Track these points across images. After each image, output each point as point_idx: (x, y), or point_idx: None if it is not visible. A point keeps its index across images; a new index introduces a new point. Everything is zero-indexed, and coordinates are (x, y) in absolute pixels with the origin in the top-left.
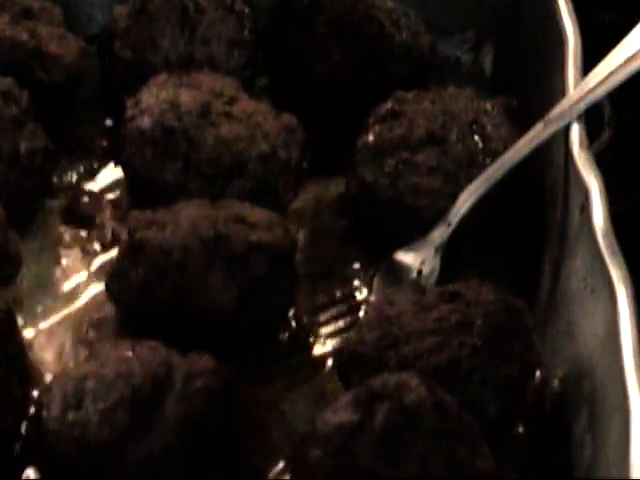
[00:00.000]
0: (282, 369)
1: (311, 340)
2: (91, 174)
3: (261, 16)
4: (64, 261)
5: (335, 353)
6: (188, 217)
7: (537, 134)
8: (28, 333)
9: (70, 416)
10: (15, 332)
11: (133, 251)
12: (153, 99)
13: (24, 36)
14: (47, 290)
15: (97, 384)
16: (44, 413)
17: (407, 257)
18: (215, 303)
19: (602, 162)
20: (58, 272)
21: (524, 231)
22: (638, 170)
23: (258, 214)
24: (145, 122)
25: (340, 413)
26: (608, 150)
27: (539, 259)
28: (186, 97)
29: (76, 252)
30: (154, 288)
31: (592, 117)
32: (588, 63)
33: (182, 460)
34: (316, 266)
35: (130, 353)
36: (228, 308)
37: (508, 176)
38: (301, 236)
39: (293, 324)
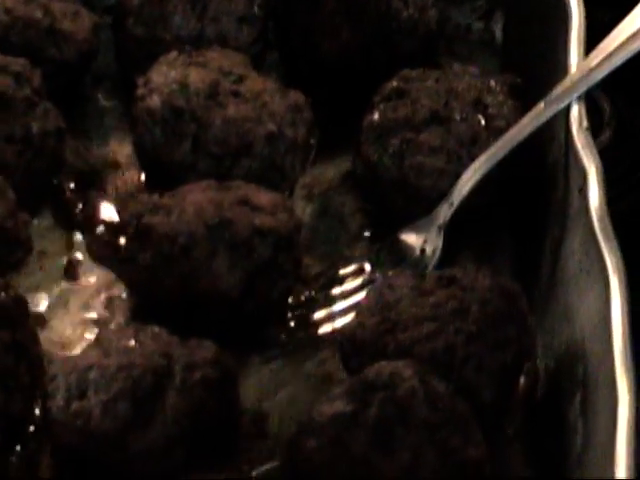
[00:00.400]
0: (286, 351)
1: (315, 320)
2: (103, 153)
3: None
4: (74, 240)
5: (337, 336)
6: (193, 202)
7: (538, 114)
8: (38, 315)
9: (74, 406)
10: (25, 318)
11: (140, 236)
12: (162, 78)
13: (37, 14)
14: (58, 271)
15: (100, 375)
16: (49, 402)
17: (410, 236)
18: (220, 288)
19: (602, 161)
20: (69, 251)
21: (526, 210)
22: (638, 170)
23: (263, 197)
24: (154, 102)
25: (335, 403)
26: (608, 150)
27: (540, 238)
28: (195, 76)
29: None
30: (161, 273)
31: (592, 117)
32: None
33: (183, 450)
34: (321, 243)
35: (132, 342)
36: (233, 292)
37: (510, 155)
38: (308, 213)
39: (297, 304)
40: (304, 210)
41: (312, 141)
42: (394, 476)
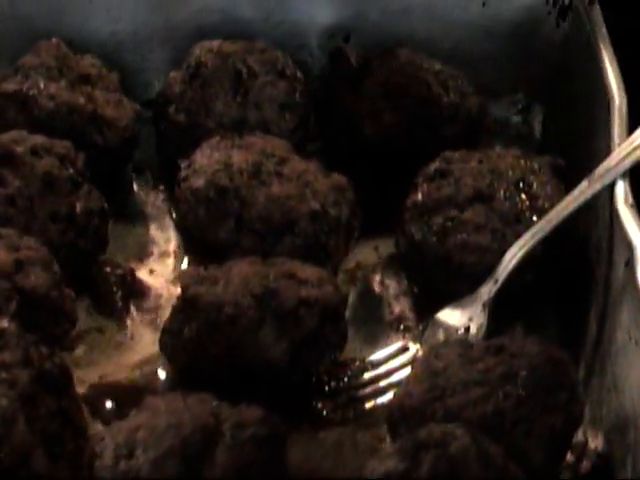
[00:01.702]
0: (333, 422)
1: (361, 394)
2: (143, 240)
3: (312, 79)
4: (114, 321)
5: (385, 407)
6: (239, 273)
7: (582, 192)
8: (82, 386)
9: (122, 465)
10: (70, 387)
11: (186, 307)
12: (206, 160)
13: (81, 100)
14: (101, 345)
15: (148, 434)
16: (97, 462)
17: (454, 314)
18: (266, 358)
19: None
20: (112, 328)
21: (571, 286)
22: None
23: (308, 271)
24: (199, 182)
25: (387, 461)
26: None
27: (585, 313)
28: (238, 157)
29: (132, 312)
30: (207, 343)
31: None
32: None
33: None
34: (366, 324)
35: (181, 404)
36: (279, 363)
37: (554, 232)
38: (351, 296)
39: (344, 379)
40: (347, 292)
41: (355, 223)
42: None
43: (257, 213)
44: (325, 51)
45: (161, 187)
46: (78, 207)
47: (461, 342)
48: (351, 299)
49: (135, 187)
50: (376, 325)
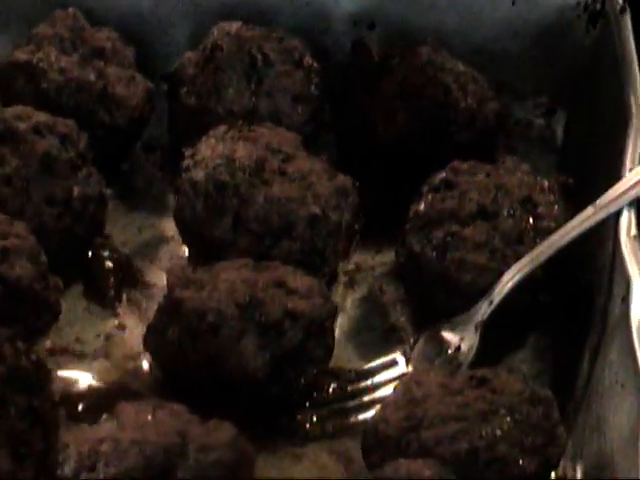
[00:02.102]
0: (310, 438)
1: (343, 409)
2: (147, 223)
3: (333, 66)
4: (105, 309)
5: (361, 428)
6: (226, 279)
7: (587, 218)
8: (61, 381)
9: (83, 477)
10: (45, 385)
11: (170, 309)
12: (209, 151)
13: (91, 76)
14: (85, 337)
15: (112, 448)
16: (59, 471)
17: (447, 332)
18: (247, 369)
19: None
20: (98, 319)
21: (570, 312)
22: None
23: (299, 280)
24: (199, 175)
25: None
26: None
27: (581, 343)
28: (242, 152)
29: (124, 301)
30: (188, 349)
31: None
32: None
33: None
34: (359, 331)
35: (149, 418)
36: (260, 375)
37: (556, 256)
38: (348, 300)
39: (326, 392)
40: (345, 296)
41: (357, 227)
42: None
43: (255, 213)
44: (349, 38)
45: (168, 169)
46: (75, 191)
47: (445, 369)
48: (347, 303)
49: (143, 166)
50: (370, 334)
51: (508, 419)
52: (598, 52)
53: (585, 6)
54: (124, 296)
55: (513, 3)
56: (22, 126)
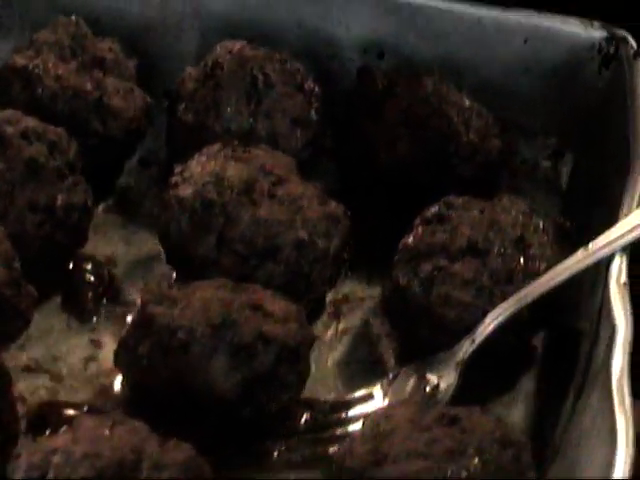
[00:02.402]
0: (278, 466)
1: (313, 440)
2: (133, 239)
3: (338, 92)
4: (83, 323)
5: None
6: (201, 298)
7: (577, 261)
8: (28, 394)
9: None
10: (6, 392)
11: (142, 324)
12: (199, 169)
13: (88, 86)
14: (58, 350)
15: (63, 460)
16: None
17: (427, 369)
18: (216, 390)
19: None
20: (74, 333)
21: (556, 355)
22: None
23: (277, 304)
24: (187, 191)
25: None
26: None
27: (565, 386)
28: (232, 171)
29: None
30: (158, 365)
31: None
32: None
33: None
34: (342, 364)
35: (107, 432)
36: (229, 396)
37: (545, 298)
38: (331, 330)
39: (302, 421)
40: (329, 327)
41: (346, 255)
42: None
43: (240, 233)
44: (356, 65)
45: (164, 185)
46: (59, 199)
47: (416, 405)
48: (332, 334)
49: (139, 181)
50: (352, 366)
51: (476, 460)
52: (608, 95)
53: (599, 48)
54: (102, 311)
55: (525, 41)
56: (10, 130)
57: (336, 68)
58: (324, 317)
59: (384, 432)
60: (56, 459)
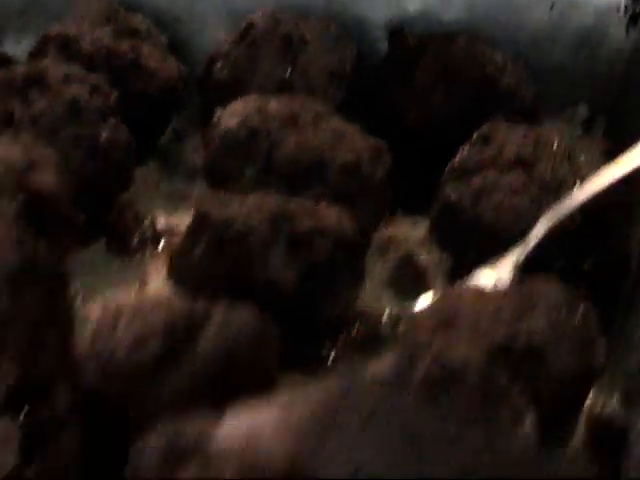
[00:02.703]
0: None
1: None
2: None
3: (367, 70)
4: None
5: None
6: (256, 198)
7: (622, 166)
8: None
9: (101, 340)
10: (64, 289)
11: (196, 225)
12: (242, 105)
13: (124, 47)
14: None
15: (133, 313)
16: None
17: (482, 275)
18: (274, 282)
19: None
20: (115, 271)
21: (608, 267)
22: None
23: (331, 210)
24: (231, 122)
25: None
26: None
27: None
28: (275, 105)
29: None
30: (213, 261)
31: None
32: None
33: (208, 400)
34: (391, 282)
35: (172, 296)
36: (286, 289)
37: (592, 213)
38: (381, 265)
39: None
40: (376, 262)
41: (388, 188)
42: None
43: (287, 156)
44: (383, 45)
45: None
46: (103, 136)
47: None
48: (378, 267)
49: (172, 152)
50: (402, 286)
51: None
52: (637, 56)
53: (625, 9)
54: (147, 252)
55: (552, 7)
56: (52, 73)
57: (365, 50)
58: (370, 254)
59: (451, 308)
60: (126, 310)
